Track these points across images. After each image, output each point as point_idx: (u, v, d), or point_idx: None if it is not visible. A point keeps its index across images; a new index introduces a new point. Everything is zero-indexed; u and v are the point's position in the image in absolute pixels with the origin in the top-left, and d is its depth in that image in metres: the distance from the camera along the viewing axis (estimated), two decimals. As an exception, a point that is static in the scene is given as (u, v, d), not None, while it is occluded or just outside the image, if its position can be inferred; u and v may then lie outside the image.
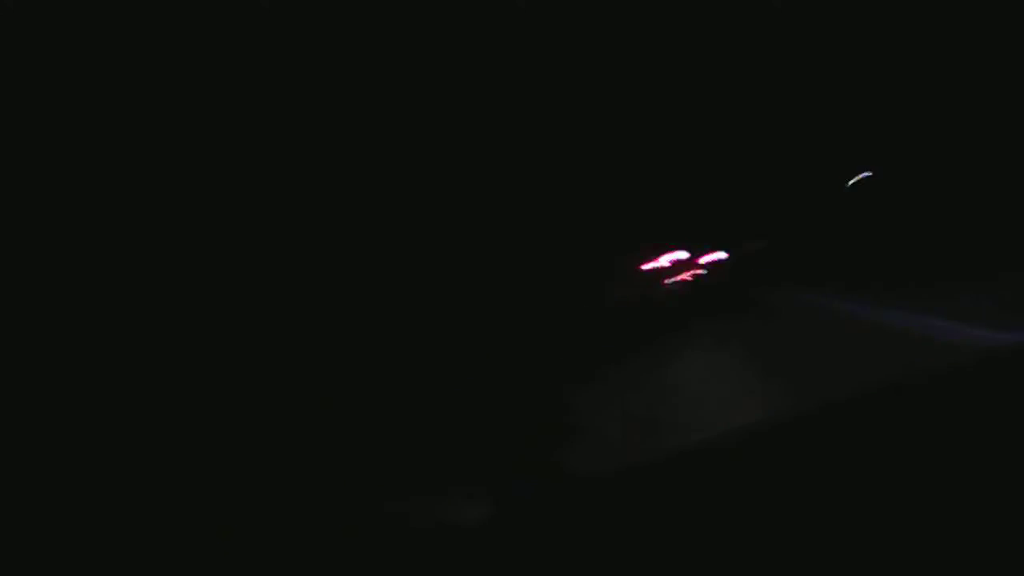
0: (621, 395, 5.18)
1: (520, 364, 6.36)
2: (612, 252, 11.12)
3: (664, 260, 11.96)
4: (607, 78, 9.11)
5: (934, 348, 5.05)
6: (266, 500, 4.39)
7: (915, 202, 9.89)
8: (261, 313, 6.74)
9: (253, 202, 6.94)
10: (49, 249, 5.65)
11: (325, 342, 6.68)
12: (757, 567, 2.88)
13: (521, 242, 8.94)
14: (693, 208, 11.58)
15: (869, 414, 3.37)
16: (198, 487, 4.54)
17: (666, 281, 12.23)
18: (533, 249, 9.19)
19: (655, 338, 7.57)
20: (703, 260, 11.95)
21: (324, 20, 5.81)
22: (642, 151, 10.60)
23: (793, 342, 6.37)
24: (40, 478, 4.54)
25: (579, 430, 4.45)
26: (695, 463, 3.39)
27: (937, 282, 7.65)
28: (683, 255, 11.99)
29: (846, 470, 3.00)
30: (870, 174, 10.87)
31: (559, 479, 3.87)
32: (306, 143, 7.15)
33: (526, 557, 3.33)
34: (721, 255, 11.72)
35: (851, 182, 10.80)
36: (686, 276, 11.97)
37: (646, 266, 11.87)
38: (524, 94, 8.46)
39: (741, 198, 11.94)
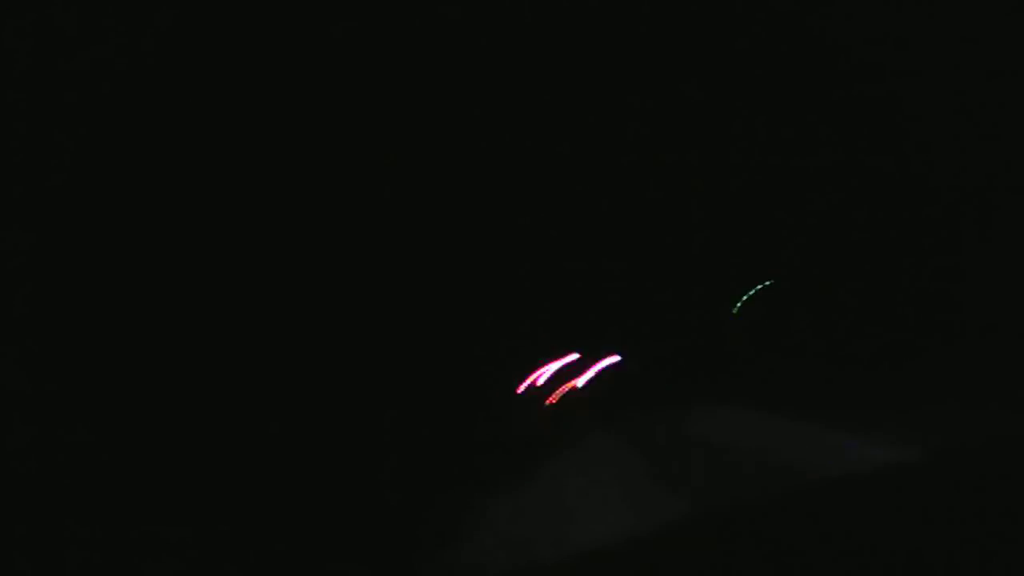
0: (521, 498, 5.27)
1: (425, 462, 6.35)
2: (510, 356, 11.34)
3: (558, 365, 12.20)
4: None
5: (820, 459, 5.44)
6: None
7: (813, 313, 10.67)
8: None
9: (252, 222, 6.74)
10: (50, 250, 5.41)
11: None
12: None
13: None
14: (584, 312, 11.99)
15: (765, 521, 3.59)
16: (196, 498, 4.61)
17: (563, 387, 12.43)
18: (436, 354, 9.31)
19: (550, 444, 7.68)
20: (598, 366, 12.29)
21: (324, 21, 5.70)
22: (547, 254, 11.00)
23: (685, 449, 6.62)
24: (40, 478, 4.43)
25: (481, 531, 4.48)
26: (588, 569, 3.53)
27: (821, 393, 8.25)
28: (575, 360, 12.28)
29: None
30: (770, 283, 11.66)
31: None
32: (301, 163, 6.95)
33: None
34: (614, 360, 12.11)
35: (748, 293, 11.57)
36: (577, 382, 12.24)
37: (541, 372, 12.08)
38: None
39: (638, 302, 12.44)
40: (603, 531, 4.05)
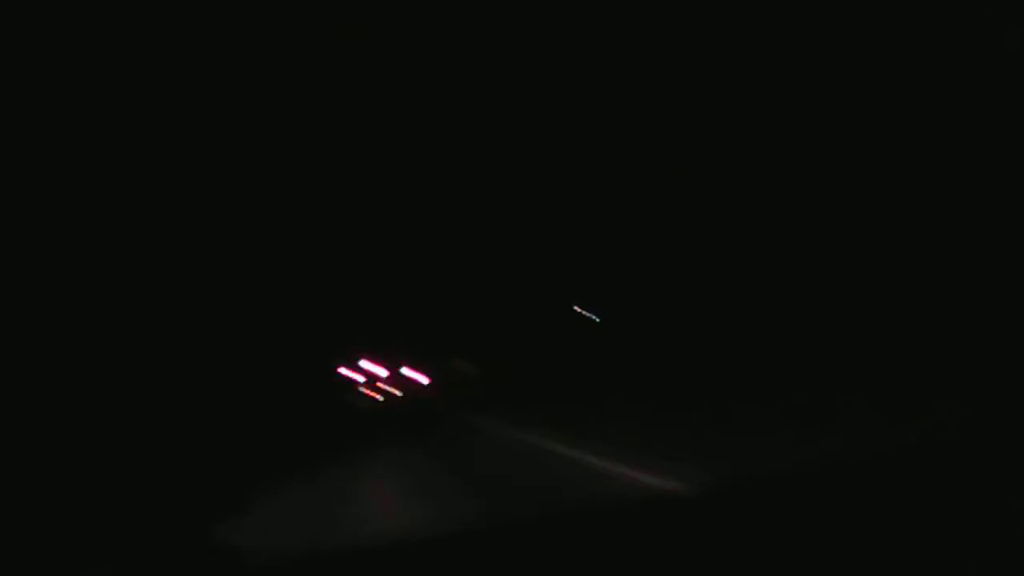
0: (308, 485, 5.40)
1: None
2: (321, 355, 11.27)
3: (367, 371, 12.12)
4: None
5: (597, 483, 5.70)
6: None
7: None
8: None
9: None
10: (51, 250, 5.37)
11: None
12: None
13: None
14: (399, 330, 12.07)
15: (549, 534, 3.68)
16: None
17: (367, 392, 12.33)
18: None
19: (349, 442, 7.73)
20: (405, 377, 12.28)
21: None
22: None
23: (474, 460, 6.82)
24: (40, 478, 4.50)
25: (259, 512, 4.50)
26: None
27: (608, 423, 8.69)
28: (384, 370, 12.24)
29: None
30: (596, 319, 12.02)
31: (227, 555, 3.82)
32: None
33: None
34: (422, 378, 12.20)
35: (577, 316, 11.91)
36: (386, 390, 12.19)
37: (351, 373, 11.95)
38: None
39: (449, 325, 12.58)
40: (394, 526, 4.27)
